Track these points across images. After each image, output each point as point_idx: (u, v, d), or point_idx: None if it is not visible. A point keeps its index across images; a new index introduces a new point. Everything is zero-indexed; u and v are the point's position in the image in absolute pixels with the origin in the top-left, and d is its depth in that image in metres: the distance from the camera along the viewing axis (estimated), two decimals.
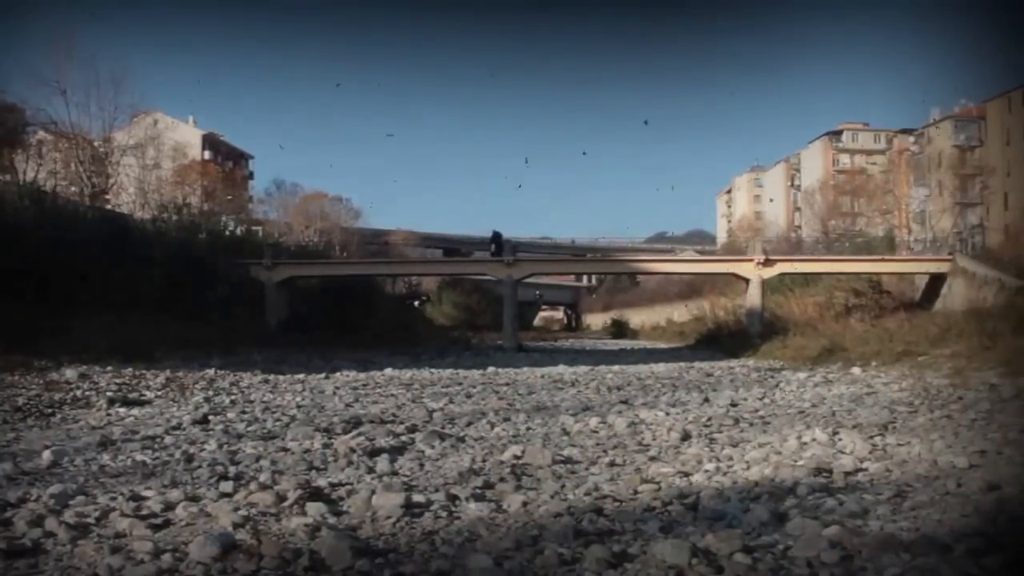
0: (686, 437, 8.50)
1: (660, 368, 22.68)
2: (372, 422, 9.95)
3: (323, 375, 18.41)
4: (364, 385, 16.31)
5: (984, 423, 8.96)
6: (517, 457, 7.33)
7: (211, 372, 17.17)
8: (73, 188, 34.67)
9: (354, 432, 8.87)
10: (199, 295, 27.60)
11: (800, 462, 6.78)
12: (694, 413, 10.89)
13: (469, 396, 13.99)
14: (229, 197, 54.05)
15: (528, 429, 9.52)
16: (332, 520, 5.03)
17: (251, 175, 73.04)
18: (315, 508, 5.21)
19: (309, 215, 54.65)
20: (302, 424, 9.76)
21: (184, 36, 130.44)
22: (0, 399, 11.42)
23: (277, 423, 10.03)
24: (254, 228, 49.44)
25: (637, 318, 68.52)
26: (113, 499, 5.55)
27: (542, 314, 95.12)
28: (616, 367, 22.91)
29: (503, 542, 4.45)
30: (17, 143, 33.08)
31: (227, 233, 40.90)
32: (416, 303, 53.37)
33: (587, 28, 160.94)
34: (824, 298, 36.31)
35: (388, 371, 20.16)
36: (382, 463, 6.99)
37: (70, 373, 14.42)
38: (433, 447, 8.03)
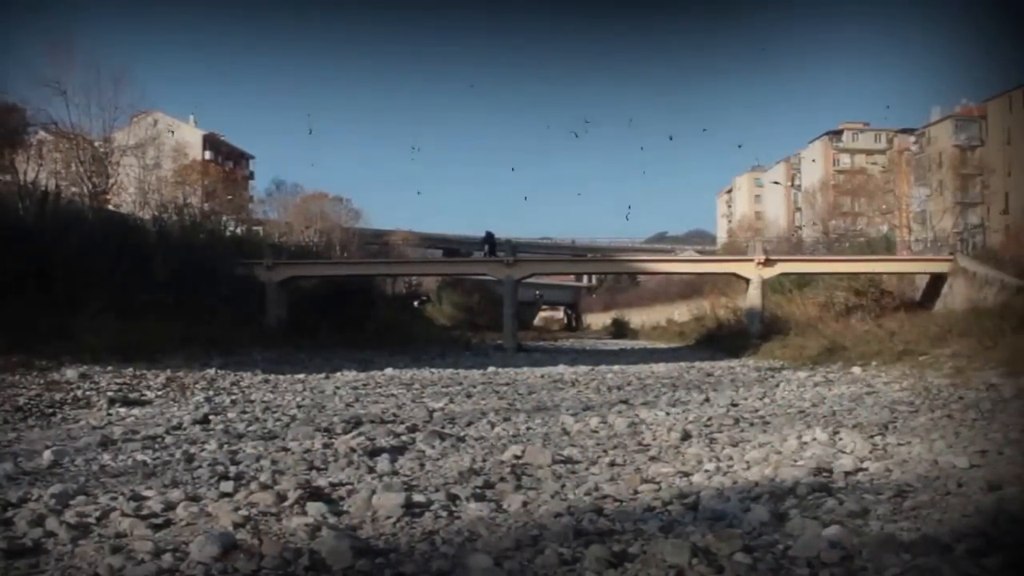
0: (686, 437, 8.50)
1: (660, 368, 22.68)
2: (372, 422, 9.96)
3: (323, 375, 18.42)
4: (364, 385, 16.32)
5: (985, 423, 8.96)
6: (517, 457, 7.33)
7: (211, 372, 17.18)
8: (74, 188, 34.62)
9: (354, 432, 8.88)
10: (200, 295, 27.57)
11: (800, 462, 6.78)
12: (694, 413, 10.89)
13: (469, 396, 13.99)
14: (229, 197, 54.08)
15: (528, 429, 9.52)
16: (332, 520, 5.03)
17: (251, 175, 73.08)
18: (315, 508, 5.21)
19: (309, 215, 54.62)
20: (302, 424, 9.77)
21: (184, 36, 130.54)
22: (1, 399, 11.43)
23: (277, 423, 10.04)
24: (254, 228, 49.46)
25: (637, 318, 68.51)
26: (114, 499, 5.55)
27: (542, 314, 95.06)
28: (616, 367, 22.91)
29: (503, 542, 4.45)
30: (18, 143, 33.09)
31: (228, 233, 40.91)
32: (416, 303, 53.33)
33: (588, 28, 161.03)
34: (824, 298, 36.32)
35: (388, 371, 20.17)
36: (382, 463, 6.99)
37: (71, 373, 14.42)
38: (433, 447, 8.03)
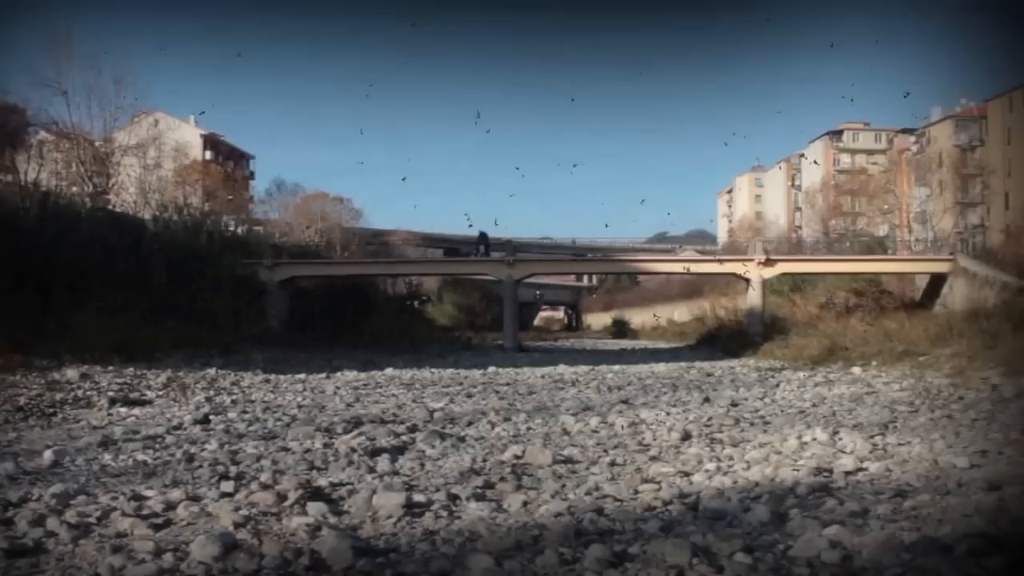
0: (687, 437, 8.50)
1: (660, 368, 22.69)
2: (373, 422, 9.96)
3: (324, 375, 18.43)
4: (365, 385, 16.32)
5: (985, 423, 8.97)
6: (518, 457, 7.33)
7: (212, 372, 17.18)
8: (74, 188, 34.63)
9: (355, 432, 8.88)
10: (200, 295, 27.58)
11: (800, 462, 6.79)
12: (695, 413, 10.90)
13: (470, 396, 14.00)
14: (230, 197, 53.99)
15: (528, 429, 9.53)
16: (333, 520, 5.04)
17: (252, 175, 73.01)
18: (316, 508, 5.22)
19: (310, 215, 54.57)
20: (303, 424, 9.77)
21: (185, 36, 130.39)
22: (2, 399, 11.44)
23: (278, 423, 10.04)
24: (255, 228, 49.41)
25: (638, 318, 68.49)
26: (114, 499, 5.56)
27: (542, 314, 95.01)
28: (616, 367, 22.92)
29: (504, 542, 4.45)
30: (19, 144, 33.07)
31: (228, 233, 40.88)
32: (416, 303, 53.23)
33: (588, 28, 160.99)
34: (825, 298, 36.33)
35: (389, 371, 20.17)
36: (383, 463, 6.99)
37: (71, 373, 14.42)
38: (434, 447, 8.04)
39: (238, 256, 34.68)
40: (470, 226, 41.47)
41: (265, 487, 5.82)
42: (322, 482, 6.15)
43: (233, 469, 6.71)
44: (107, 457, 7.45)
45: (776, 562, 4.04)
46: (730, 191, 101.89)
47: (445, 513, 5.23)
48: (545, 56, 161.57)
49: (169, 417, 10.55)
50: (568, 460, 7.27)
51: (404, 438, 8.59)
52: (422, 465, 7.06)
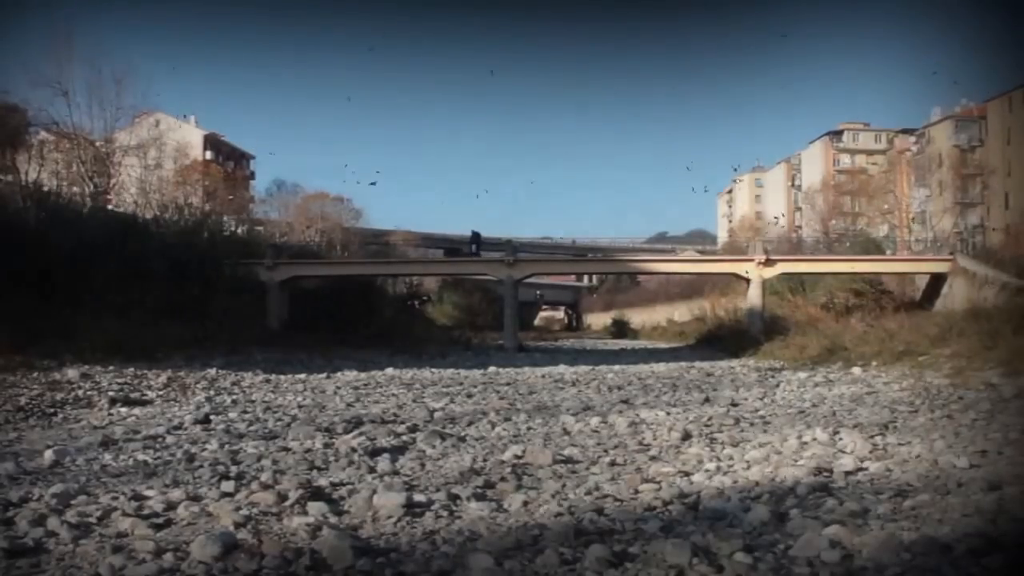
0: (687, 437, 8.51)
1: (661, 368, 22.69)
2: (373, 422, 9.97)
3: (324, 375, 18.43)
4: (365, 385, 16.33)
5: (985, 423, 8.97)
6: (518, 457, 7.34)
7: (213, 372, 17.19)
8: (75, 188, 34.61)
9: (355, 432, 8.89)
10: (201, 295, 27.58)
11: (800, 462, 6.79)
12: (695, 413, 10.90)
13: (470, 396, 14.00)
14: (230, 197, 53.97)
15: (529, 429, 9.53)
16: (333, 519, 5.04)
17: (252, 175, 73.00)
18: (316, 508, 5.22)
19: (310, 215, 54.59)
20: (303, 424, 9.78)
21: (186, 37, 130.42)
22: (2, 399, 11.45)
23: (278, 423, 10.05)
24: (255, 228, 49.42)
25: (638, 318, 68.48)
26: (115, 498, 5.56)
27: (543, 314, 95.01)
28: (617, 367, 22.92)
29: (504, 541, 4.46)
30: (19, 144, 33.04)
31: (229, 233, 40.88)
32: (417, 303, 53.23)
33: (589, 29, 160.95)
34: (825, 298, 36.32)
35: (389, 371, 20.18)
36: (383, 463, 7.00)
37: (72, 373, 14.43)
38: (434, 447, 8.04)
39: (238, 256, 34.69)
40: (474, 233, 41.47)
41: (265, 487, 5.83)
42: (323, 482, 6.16)
43: (234, 469, 6.71)
44: (107, 457, 7.45)
45: (776, 562, 4.04)
46: (730, 191, 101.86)
47: (445, 513, 5.23)
48: (547, 56, 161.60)
49: (170, 417, 10.56)
50: (568, 460, 7.27)
51: (404, 438, 8.59)
52: (422, 465, 7.06)
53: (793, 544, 4.26)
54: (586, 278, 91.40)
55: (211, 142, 66.35)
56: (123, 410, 11.36)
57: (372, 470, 6.77)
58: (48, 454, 7.24)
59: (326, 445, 8.06)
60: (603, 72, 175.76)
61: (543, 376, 19.36)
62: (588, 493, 5.83)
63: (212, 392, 14.04)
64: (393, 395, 14.19)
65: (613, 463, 7.14)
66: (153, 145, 42.44)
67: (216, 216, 42.32)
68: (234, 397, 13.36)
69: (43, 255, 22.19)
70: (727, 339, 35.43)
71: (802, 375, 18.23)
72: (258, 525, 4.88)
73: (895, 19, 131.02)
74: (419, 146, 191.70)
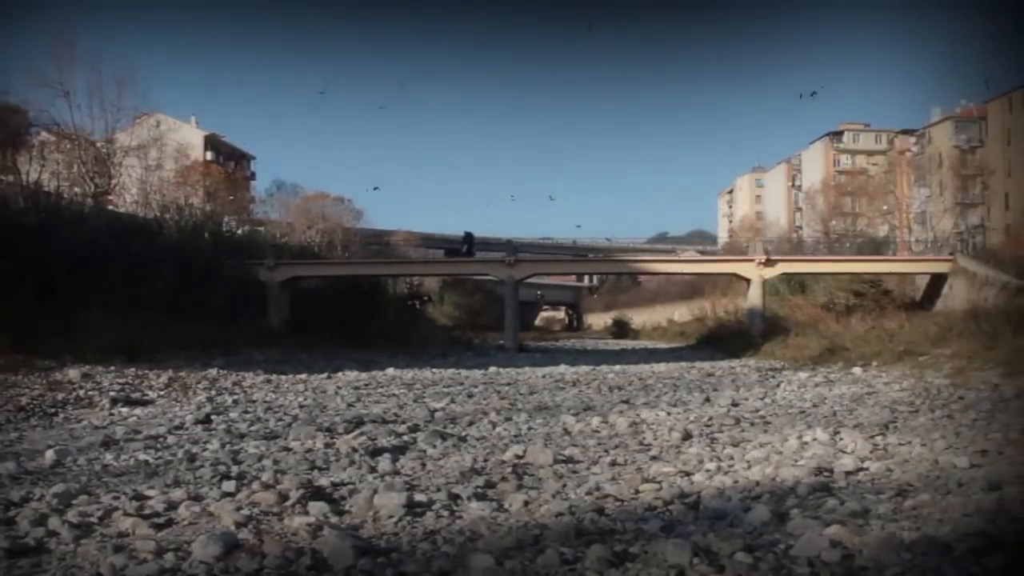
0: (687, 437, 8.51)
1: (661, 368, 22.69)
2: (374, 422, 9.98)
3: (325, 375, 18.44)
4: (366, 385, 16.34)
5: (985, 423, 8.97)
6: (519, 457, 7.34)
7: (214, 372, 17.20)
8: (76, 189, 34.62)
9: (356, 432, 8.89)
10: (202, 295, 27.59)
11: (801, 462, 6.79)
12: (695, 413, 10.91)
13: (471, 396, 14.01)
14: (231, 198, 53.98)
15: (529, 429, 9.53)
16: (334, 519, 5.05)
17: (253, 175, 73.00)
18: (317, 507, 5.23)
19: (311, 215, 54.55)
20: (304, 424, 9.78)
21: (186, 37, 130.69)
22: (3, 399, 11.45)
23: (279, 423, 10.05)
24: (256, 228, 49.39)
25: (638, 318, 68.48)
26: (116, 498, 5.57)
27: (543, 314, 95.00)
28: (617, 367, 22.93)
29: (505, 541, 4.46)
30: (20, 144, 33.07)
31: (229, 234, 40.88)
32: (418, 303, 53.22)
33: (590, 29, 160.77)
34: (825, 298, 36.31)
35: (390, 371, 20.19)
36: (384, 463, 7.00)
37: (73, 373, 14.44)
38: (435, 447, 8.04)
39: (239, 256, 34.71)
40: (467, 234, 41.57)
41: (267, 487, 5.83)
42: (323, 482, 6.16)
43: (235, 469, 6.72)
44: (109, 457, 7.46)
45: (777, 561, 4.04)
46: (730, 191, 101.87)
47: (446, 513, 5.24)
48: (547, 57, 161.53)
49: (171, 417, 10.57)
50: (569, 460, 7.28)
51: (405, 438, 8.60)
52: (423, 465, 7.06)
53: (794, 544, 4.26)
54: (587, 278, 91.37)
55: (211, 143, 66.36)
56: (124, 410, 11.37)
57: (373, 470, 6.77)
58: (49, 454, 7.25)
59: (327, 445, 8.06)
60: (604, 73, 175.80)
61: (544, 376, 19.36)
62: (589, 493, 5.83)
63: (213, 392, 14.05)
64: (394, 395, 14.20)
65: (614, 463, 7.14)
66: (154, 146, 42.45)
67: (217, 216, 42.33)
68: (235, 397, 13.37)
69: (44, 256, 22.23)
70: (727, 339, 35.43)
71: (802, 375, 18.22)
72: (259, 525, 4.89)
73: (895, 20, 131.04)
74: (419, 146, 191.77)
